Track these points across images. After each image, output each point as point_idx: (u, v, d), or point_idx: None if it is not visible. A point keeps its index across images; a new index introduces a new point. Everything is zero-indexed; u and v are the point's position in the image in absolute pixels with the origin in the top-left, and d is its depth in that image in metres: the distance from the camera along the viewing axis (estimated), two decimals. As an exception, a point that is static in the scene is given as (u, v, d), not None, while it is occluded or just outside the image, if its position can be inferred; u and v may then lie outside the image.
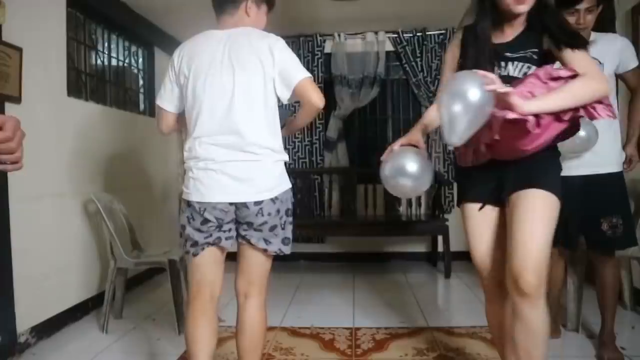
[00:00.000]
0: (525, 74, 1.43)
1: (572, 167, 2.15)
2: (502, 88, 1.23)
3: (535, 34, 1.45)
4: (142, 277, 3.63)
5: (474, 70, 1.28)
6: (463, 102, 1.20)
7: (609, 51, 2.06)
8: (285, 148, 1.63)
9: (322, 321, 2.71)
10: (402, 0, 3.56)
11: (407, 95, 4.46)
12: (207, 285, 1.61)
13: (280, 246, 1.60)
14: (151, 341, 2.47)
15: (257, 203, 1.51)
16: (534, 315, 1.38)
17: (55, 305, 2.60)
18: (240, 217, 1.55)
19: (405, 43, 4.22)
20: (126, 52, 3.74)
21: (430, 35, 4.20)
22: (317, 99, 1.54)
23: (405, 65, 4.25)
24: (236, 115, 1.50)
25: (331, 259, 4.40)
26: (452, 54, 1.61)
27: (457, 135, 1.24)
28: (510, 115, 1.24)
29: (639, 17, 2.80)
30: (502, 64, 1.46)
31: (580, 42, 1.38)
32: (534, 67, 1.43)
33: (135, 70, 3.91)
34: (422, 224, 3.96)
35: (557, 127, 1.33)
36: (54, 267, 2.59)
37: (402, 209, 4.30)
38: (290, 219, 1.62)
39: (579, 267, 2.46)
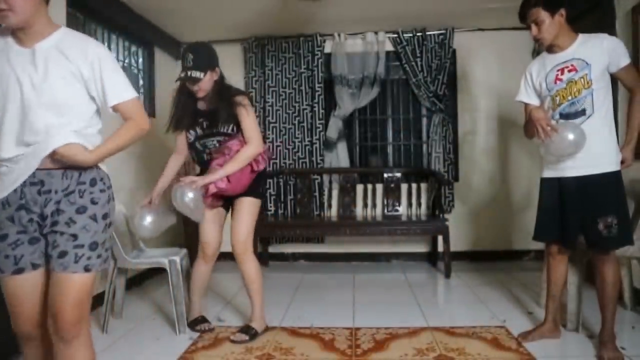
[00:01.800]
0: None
1: (567, 168, 2.15)
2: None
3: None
4: (142, 277, 3.63)
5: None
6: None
7: (595, 52, 2.06)
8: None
9: (322, 321, 2.71)
10: (402, 0, 3.56)
11: (407, 95, 4.46)
12: None
13: None
14: (151, 341, 2.47)
15: None
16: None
17: (55, 305, 2.60)
18: None
19: (405, 43, 4.22)
20: (126, 52, 3.74)
21: (430, 35, 4.20)
22: None
23: (405, 65, 4.25)
24: None
25: (331, 259, 4.40)
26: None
27: None
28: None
29: (639, 17, 2.80)
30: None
31: None
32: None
33: (135, 71, 3.91)
34: (422, 224, 3.96)
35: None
36: (54, 267, 2.58)
37: (402, 209, 4.30)
38: None
39: (579, 266, 2.46)
